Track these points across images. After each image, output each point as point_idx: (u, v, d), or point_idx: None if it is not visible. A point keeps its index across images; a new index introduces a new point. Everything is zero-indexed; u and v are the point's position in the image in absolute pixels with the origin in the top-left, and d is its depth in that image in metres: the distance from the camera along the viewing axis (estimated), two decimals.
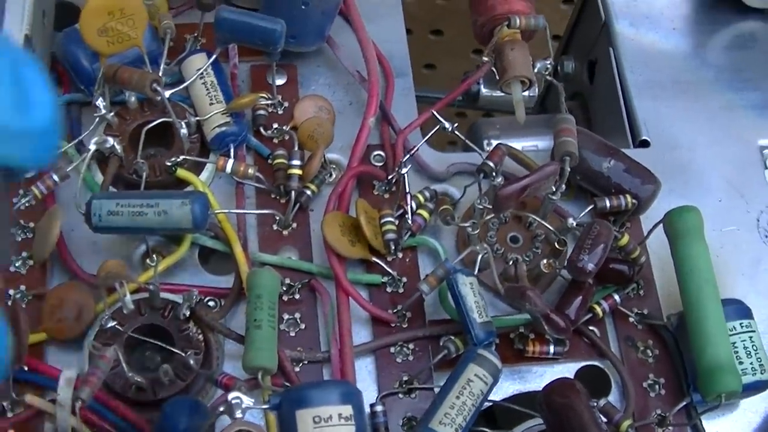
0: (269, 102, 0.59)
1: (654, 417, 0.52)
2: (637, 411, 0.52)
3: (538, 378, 0.53)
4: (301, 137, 0.57)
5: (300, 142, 0.57)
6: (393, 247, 0.54)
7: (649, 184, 0.56)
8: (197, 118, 0.56)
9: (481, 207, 0.53)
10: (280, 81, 0.61)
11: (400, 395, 0.52)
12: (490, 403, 0.51)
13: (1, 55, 0.17)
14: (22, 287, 0.52)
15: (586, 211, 0.56)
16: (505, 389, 0.53)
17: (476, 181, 0.54)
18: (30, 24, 0.53)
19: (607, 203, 0.55)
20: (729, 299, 0.53)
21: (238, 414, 0.42)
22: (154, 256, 0.52)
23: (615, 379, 0.54)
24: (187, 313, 0.50)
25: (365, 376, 0.52)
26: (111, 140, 0.53)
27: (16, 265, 0.52)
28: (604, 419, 0.49)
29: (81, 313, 0.50)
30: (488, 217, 0.55)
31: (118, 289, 0.49)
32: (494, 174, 0.53)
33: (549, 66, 0.60)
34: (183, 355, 0.49)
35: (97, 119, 0.55)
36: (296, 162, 0.56)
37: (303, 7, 0.58)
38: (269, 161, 0.57)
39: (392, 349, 0.53)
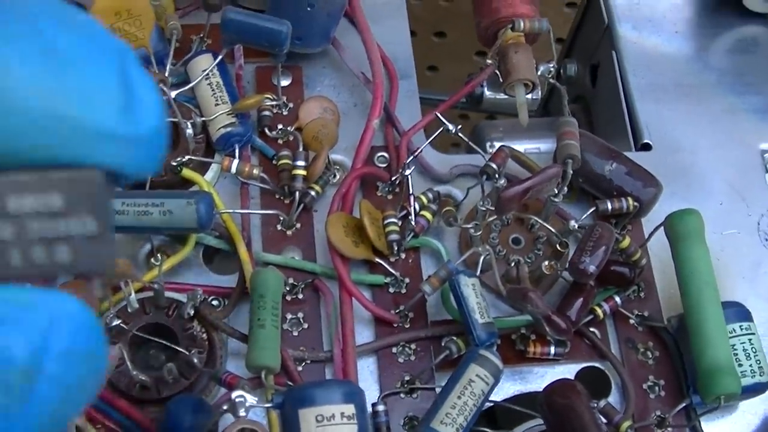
0: (274, 103, 0.60)
1: (654, 418, 0.53)
2: (636, 412, 0.53)
3: (539, 379, 0.54)
4: (305, 138, 0.58)
5: (304, 143, 0.58)
6: (396, 248, 0.55)
7: (650, 187, 0.56)
8: (203, 119, 0.57)
9: (483, 209, 0.53)
10: (285, 82, 0.61)
11: (402, 395, 0.52)
12: (492, 404, 0.51)
13: (107, 56, 0.17)
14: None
15: (588, 213, 0.56)
16: (506, 389, 0.53)
17: (479, 183, 0.54)
18: None
19: (609, 206, 0.55)
20: (729, 302, 0.53)
21: (242, 412, 0.42)
22: (158, 255, 0.53)
23: (615, 380, 0.54)
24: (192, 312, 0.51)
25: (367, 376, 0.53)
26: None
27: None
28: (604, 420, 0.49)
29: None
30: (491, 218, 0.55)
31: (123, 288, 0.50)
32: (497, 176, 0.53)
33: (552, 69, 0.61)
34: (187, 353, 0.50)
35: None
36: (301, 163, 0.56)
37: (309, 9, 0.58)
38: (274, 162, 0.57)
39: (394, 349, 0.53)
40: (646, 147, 0.63)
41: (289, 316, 0.53)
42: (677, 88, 0.66)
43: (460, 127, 0.57)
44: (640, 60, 0.67)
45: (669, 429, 0.52)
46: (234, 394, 0.42)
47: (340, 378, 0.51)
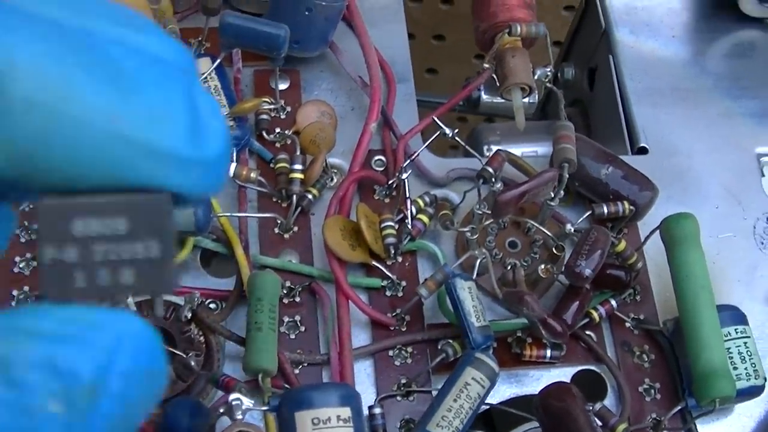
0: (272, 106, 0.60)
1: (649, 421, 0.53)
2: (632, 415, 0.53)
3: (534, 382, 0.54)
4: (303, 142, 0.58)
5: (302, 146, 0.58)
6: (393, 252, 0.55)
7: (646, 190, 0.56)
8: None
9: (480, 212, 0.53)
10: (283, 86, 0.62)
11: (399, 398, 0.52)
12: (488, 406, 0.51)
13: (175, 79, 0.17)
14: (26, 288, 0.53)
15: (584, 217, 0.56)
16: (502, 392, 0.53)
17: (476, 187, 0.54)
18: None
19: (605, 209, 0.56)
20: (724, 305, 0.54)
21: (239, 415, 0.42)
22: None
23: (611, 383, 0.54)
24: (189, 315, 0.51)
25: (364, 379, 0.53)
26: None
27: (20, 266, 0.53)
28: (600, 423, 0.50)
29: None
30: (487, 222, 0.55)
31: None
32: (493, 180, 0.53)
33: (549, 73, 0.61)
34: (184, 356, 0.50)
35: None
36: (298, 166, 0.56)
37: (307, 13, 0.58)
38: (271, 165, 0.58)
39: (391, 352, 0.53)
40: (643, 151, 0.63)
41: (286, 319, 0.53)
42: (674, 92, 0.66)
43: (456, 130, 0.57)
44: (637, 64, 0.67)
45: None
46: (231, 397, 0.42)
47: (337, 381, 0.51)
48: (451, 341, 0.52)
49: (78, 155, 0.17)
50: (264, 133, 0.59)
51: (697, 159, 0.63)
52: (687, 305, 0.52)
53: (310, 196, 0.56)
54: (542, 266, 0.54)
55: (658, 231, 0.54)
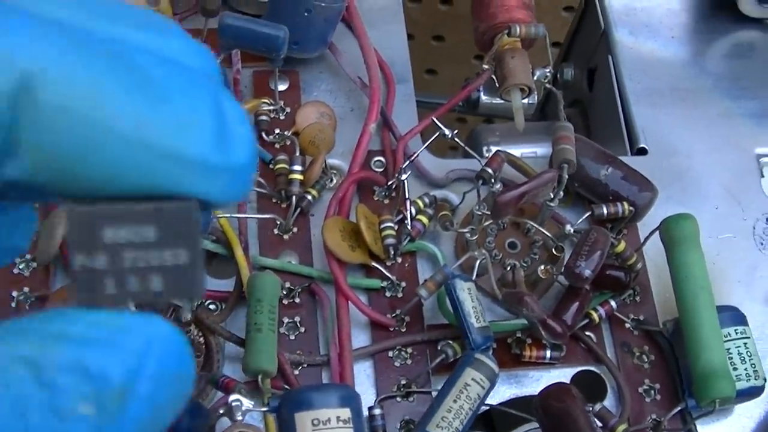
0: (271, 107, 0.60)
1: (649, 422, 0.53)
2: (632, 416, 0.53)
3: (534, 382, 0.54)
4: (302, 143, 0.58)
5: (301, 147, 0.58)
6: (392, 252, 0.55)
7: (646, 191, 0.56)
8: None
9: (479, 213, 0.53)
10: (282, 87, 0.62)
11: (398, 399, 0.52)
12: (488, 407, 0.51)
13: (203, 90, 0.18)
14: (26, 289, 0.53)
15: (584, 218, 0.56)
16: (502, 393, 0.53)
17: (475, 188, 0.54)
18: None
19: (605, 210, 0.56)
20: (724, 306, 0.54)
21: (238, 416, 0.42)
22: None
23: (611, 384, 0.54)
24: (189, 316, 0.51)
25: (364, 380, 0.53)
26: None
27: (20, 267, 0.53)
28: (600, 424, 0.50)
29: None
30: (487, 223, 0.55)
31: None
32: (493, 180, 0.53)
33: (548, 74, 0.61)
34: None
35: None
36: (297, 167, 0.56)
37: (306, 14, 0.58)
38: (271, 166, 0.58)
39: (391, 353, 0.53)
40: (642, 151, 0.63)
41: (285, 320, 0.53)
42: (673, 93, 0.66)
43: (456, 131, 0.57)
44: (637, 64, 0.67)
45: None
46: (231, 398, 0.42)
47: (337, 382, 0.51)
48: (450, 342, 0.52)
49: (106, 162, 0.17)
50: (263, 134, 0.59)
51: (696, 159, 0.63)
52: (687, 306, 0.52)
53: (309, 197, 0.56)
54: (542, 267, 0.54)
55: (657, 232, 0.54)
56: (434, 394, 0.50)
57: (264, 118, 0.59)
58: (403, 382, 0.52)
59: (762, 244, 0.60)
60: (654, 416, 0.53)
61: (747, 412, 0.55)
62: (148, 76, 0.17)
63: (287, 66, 0.60)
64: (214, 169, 0.18)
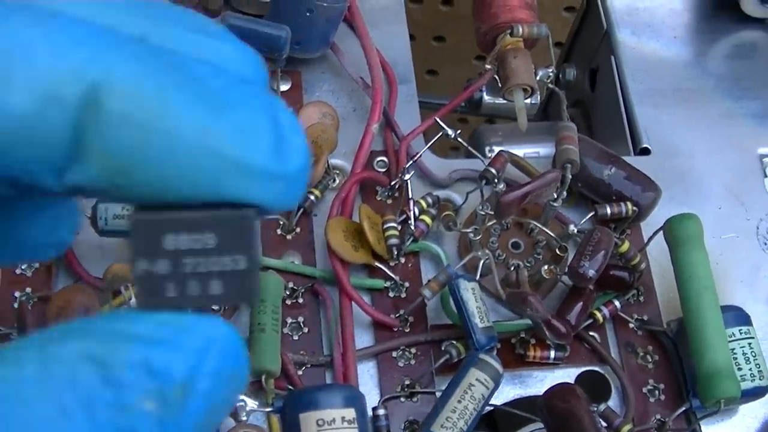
0: None
1: (653, 422, 0.53)
2: (636, 416, 0.53)
3: (538, 383, 0.54)
4: None
5: None
6: (395, 253, 0.55)
7: (649, 191, 0.56)
8: None
9: (483, 213, 0.53)
10: (284, 87, 0.61)
11: (402, 399, 0.52)
12: (491, 407, 0.51)
13: (261, 101, 0.19)
14: (28, 289, 0.53)
15: (587, 218, 0.56)
16: (506, 393, 0.53)
17: (478, 188, 0.54)
18: None
19: (608, 210, 0.55)
20: (728, 306, 0.54)
21: (243, 416, 0.42)
22: None
23: (615, 384, 0.54)
24: None
25: (367, 380, 0.53)
26: None
27: (22, 267, 0.53)
28: (605, 424, 0.50)
29: (87, 316, 0.50)
30: (490, 223, 0.55)
31: (124, 292, 0.50)
32: (496, 181, 0.53)
33: (551, 74, 0.61)
34: None
35: None
36: None
37: (308, 14, 0.58)
38: None
39: (394, 354, 0.53)
40: (645, 151, 0.63)
41: (289, 320, 0.53)
42: (676, 93, 0.66)
43: (459, 131, 0.57)
44: (639, 65, 0.67)
45: None
46: None
47: (341, 382, 0.51)
48: (454, 342, 0.52)
49: (170, 169, 0.18)
50: None
51: (699, 160, 0.63)
52: (691, 306, 0.52)
53: (312, 198, 0.56)
54: (545, 267, 0.54)
55: (661, 232, 0.54)
56: (438, 394, 0.50)
57: None
58: (407, 382, 0.52)
59: (765, 244, 0.60)
60: (658, 416, 0.53)
61: (752, 413, 0.54)
62: (208, 87, 0.18)
63: (289, 66, 0.60)
64: (273, 176, 0.18)
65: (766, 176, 0.63)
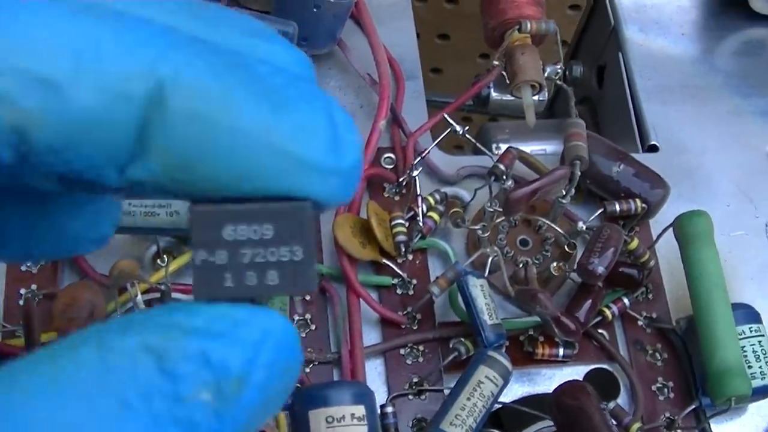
0: None
1: (663, 420, 0.52)
2: (646, 414, 0.52)
3: (547, 380, 0.54)
4: None
5: None
6: (403, 249, 0.54)
7: (658, 188, 0.56)
8: None
9: (491, 210, 0.53)
10: None
11: (410, 396, 0.52)
12: (500, 405, 0.51)
13: (319, 99, 0.19)
14: (33, 286, 0.52)
15: (596, 214, 0.56)
16: (514, 391, 0.53)
17: (486, 184, 0.54)
18: None
19: (617, 207, 0.55)
20: (738, 303, 0.53)
21: None
22: (165, 256, 0.53)
23: (624, 382, 0.54)
24: None
25: (375, 378, 0.52)
26: None
27: (27, 264, 0.53)
28: (614, 422, 0.49)
29: (93, 312, 0.50)
30: (498, 220, 0.55)
31: (130, 289, 0.50)
32: (505, 177, 0.53)
33: (559, 71, 0.61)
34: None
35: None
36: None
37: (315, 10, 0.58)
38: None
39: (402, 351, 0.53)
40: (653, 148, 0.63)
41: (296, 317, 0.53)
42: (683, 90, 0.66)
43: (467, 128, 0.57)
44: (647, 62, 0.67)
45: (678, 431, 0.52)
46: None
47: (349, 379, 0.51)
48: (463, 339, 0.51)
49: (232, 165, 0.18)
50: None
51: (707, 157, 0.63)
52: (701, 303, 0.51)
53: None
54: (554, 264, 0.53)
55: (670, 229, 0.54)
56: (446, 392, 0.49)
57: None
58: (415, 379, 0.52)
59: None
60: (668, 414, 0.53)
61: (761, 411, 0.54)
62: (270, 85, 0.19)
63: None
64: (329, 172, 0.19)
65: None
